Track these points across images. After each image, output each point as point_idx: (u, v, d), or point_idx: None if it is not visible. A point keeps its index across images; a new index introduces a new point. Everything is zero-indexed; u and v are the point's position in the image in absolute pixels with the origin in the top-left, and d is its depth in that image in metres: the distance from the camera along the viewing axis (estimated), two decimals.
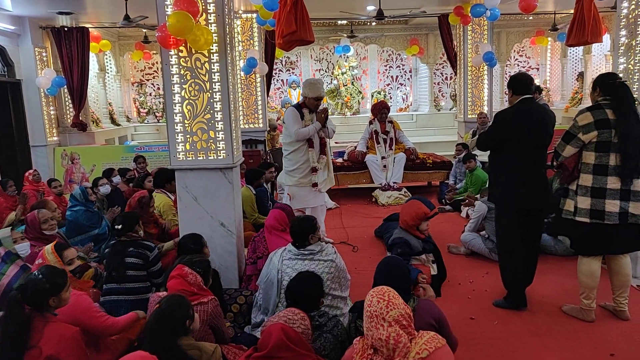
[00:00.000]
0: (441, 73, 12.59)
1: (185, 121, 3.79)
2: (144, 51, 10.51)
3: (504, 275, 3.79)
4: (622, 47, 4.15)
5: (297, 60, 12.40)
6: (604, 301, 3.64)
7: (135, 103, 11.94)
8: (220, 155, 3.85)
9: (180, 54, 3.69)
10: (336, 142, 10.59)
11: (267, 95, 9.19)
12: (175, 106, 3.77)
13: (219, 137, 3.82)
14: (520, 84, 3.58)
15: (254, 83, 8.17)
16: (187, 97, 3.76)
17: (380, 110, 7.64)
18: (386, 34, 11.53)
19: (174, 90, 3.74)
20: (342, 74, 12.05)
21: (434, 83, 12.49)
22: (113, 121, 10.84)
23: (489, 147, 3.75)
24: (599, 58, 11.11)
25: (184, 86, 3.74)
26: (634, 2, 3.98)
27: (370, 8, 8.21)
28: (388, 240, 4.98)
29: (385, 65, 12.80)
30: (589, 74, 11.28)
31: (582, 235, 3.34)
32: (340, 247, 5.33)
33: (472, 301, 3.88)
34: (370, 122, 7.75)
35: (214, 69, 3.72)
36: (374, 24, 10.70)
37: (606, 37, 9.67)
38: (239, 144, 4.11)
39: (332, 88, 12.20)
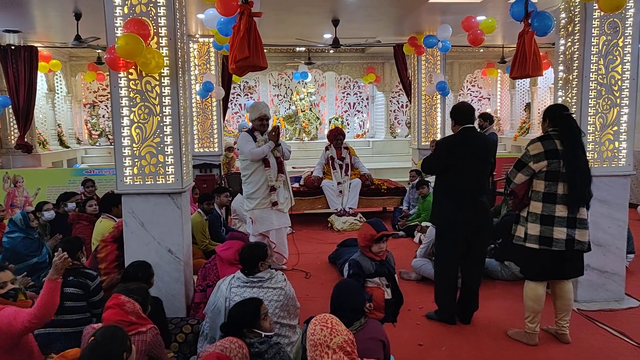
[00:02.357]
0: (397, 101, 12.90)
1: (134, 145, 3.71)
2: (97, 72, 10.28)
3: (436, 293, 3.97)
4: (561, 81, 4.37)
5: (255, 85, 12.44)
6: (547, 325, 3.74)
7: (86, 125, 11.61)
8: (169, 180, 3.77)
9: (130, 76, 3.63)
10: (293, 167, 10.60)
11: (224, 120, 9.14)
12: (123, 129, 3.69)
13: (168, 162, 3.75)
14: (462, 114, 3.80)
15: (210, 107, 8.12)
16: (136, 120, 3.68)
17: (336, 136, 7.73)
18: (343, 61, 11.76)
19: (122, 113, 3.67)
20: (301, 99, 12.16)
21: (390, 110, 12.77)
22: (62, 143, 10.48)
23: (431, 172, 3.96)
24: (544, 90, 11.69)
25: (133, 109, 3.67)
26: (569, 40, 4.22)
27: (327, 36, 8.37)
28: (341, 266, 4.99)
29: (343, 92, 13.02)
30: (536, 104, 11.85)
31: (532, 261, 3.44)
32: (293, 274, 5.29)
33: (421, 327, 3.89)
34: (327, 148, 7.82)
35: (164, 92, 3.67)
36: (331, 51, 10.90)
37: (550, 71, 10.20)
38: (189, 169, 4.04)
39: (290, 113, 12.28)
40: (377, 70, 11.92)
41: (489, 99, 13.65)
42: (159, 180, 3.77)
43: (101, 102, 11.78)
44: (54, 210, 5.51)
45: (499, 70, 11.95)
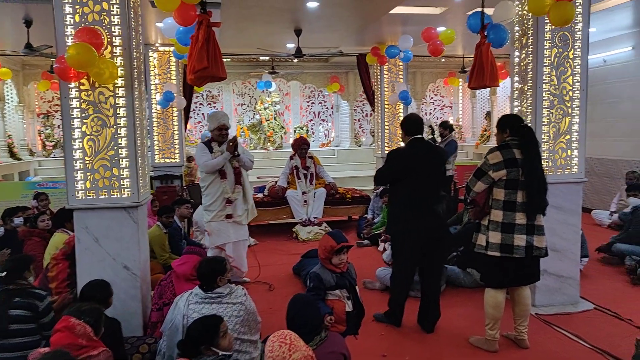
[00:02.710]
0: (361, 110, 13.00)
1: (86, 158, 3.58)
2: (51, 81, 9.93)
3: (390, 296, 4.10)
4: (516, 92, 4.48)
5: (218, 94, 12.31)
6: (506, 331, 3.79)
7: (40, 136, 11.19)
8: (124, 194, 3.66)
9: (82, 87, 3.51)
10: (258, 177, 10.50)
11: (185, 130, 8.99)
12: (74, 142, 3.55)
13: (123, 175, 3.64)
14: (411, 125, 3.92)
15: (171, 117, 7.96)
16: (88, 132, 3.56)
17: (300, 145, 7.70)
18: (307, 71, 11.79)
19: (73, 125, 3.54)
20: (265, 109, 12.09)
21: (355, 119, 12.86)
22: (13, 155, 10.05)
23: (384, 182, 4.06)
24: (504, 99, 12.02)
25: (85, 121, 3.54)
26: (524, 52, 4.34)
27: (290, 45, 8.37)
28: (305, 278, 4.95)
29: (308, 101, 13.03)
30: (495, 113, 12.16)
31: (493, 269, 3.48)
32: (256, 286, 5.21)
33: (385, 337, 3.89)
34: (291, 158, 7.78)
35: (119, 103, 3.57)
36: (295, 61, 10.90)
37: (509, 80, 10.49)
38: (145, 181, 3.93)
39: (254, 123, 12.19)
40: (341, 79, 12.00)
41: (451, 107, 13.92)
42: (113, 194, 3.65)
43: (56, 111, 11.38)
44: (3, 227, 5.27)
45: (460, 80, 12.23)
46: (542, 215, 3.43)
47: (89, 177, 3.60)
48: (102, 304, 3.22)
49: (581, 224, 4.43)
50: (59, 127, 11.37)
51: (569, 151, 4.29)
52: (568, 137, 4.28)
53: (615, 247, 5.56)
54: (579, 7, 4.18)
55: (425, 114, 13.63)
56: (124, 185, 3.65)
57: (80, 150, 3.56)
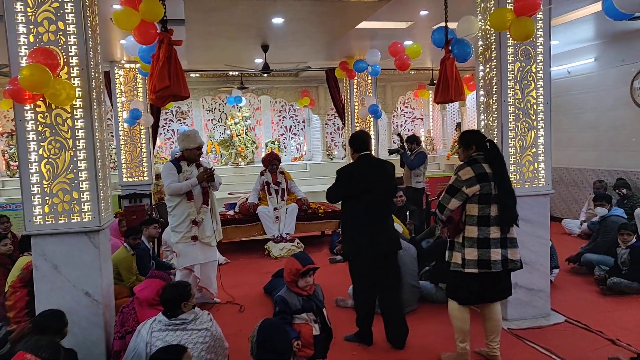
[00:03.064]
0: (333, 123, 13.01)
1: (44, 181, 3.46)
2: None
3: (357, 315, 4.08)
4: (482, 105, 4.52)
5: (188, 110, 12.15)
6: (479, 347, 3.77)
7: (4, 155, 10.83)
8: (85, 218, 3.54)
9: (37, 109, 3.39)
10: (229, 193, 10.36)
11: (154, 147, 8.82)
12: (31, 165, 3.44)
13: (83, 198, 3.52)
14: (359, 142, 3.99)
15: (139, 135, 7.80)
16: (46, 155, 3.44)
17: (271, 161, 7.63)
18: (277, 85, 11.75)
19: (29, 148, 3.43)
20: (235, 124, 11.97)
21: (327, 133, 12.84)
22: None
23: (334, 200, 4.08)
24: (473, 110, 12.19)
25: (42, 144, 3.43)
26: (488, 66, 4.38)
27: (259, 61, 8.32)
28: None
29: (279, 116, 12.98)
30: (465, 124, 12.32)
31: (470, 286, 3.44)
32: (226, 307, 5.10)
33: (357, 357, 3.83)
34: (262, 173, 7.69)
35: (77, 125, 3.47)
36: (265, 75, 10.86)
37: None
38: (107, 204, 3.80)
39: (225, 138, 12.06)
40: (311, 93, 11.99)
41: (422, 119, 14.05)
42: (73, 219, 3.53)
43: None
44: None
45: (430, 92, 12.36)
46: (513, 227, 3.43)
47: (47, 201, 3.48)
48: (56, 335, 3.10)
49: (551, 233, 4.47)
50: None
51: (535, 164, 4.33)
52: (534, 149, 4.32)
53: (585, 258, 5.63)
54: (540, 21, 4.25)
55: (397, 126, 13.73)
56: (84, 209, 3.54)
57: (37, 174, 3.45)
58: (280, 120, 12.99)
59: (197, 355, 2.97)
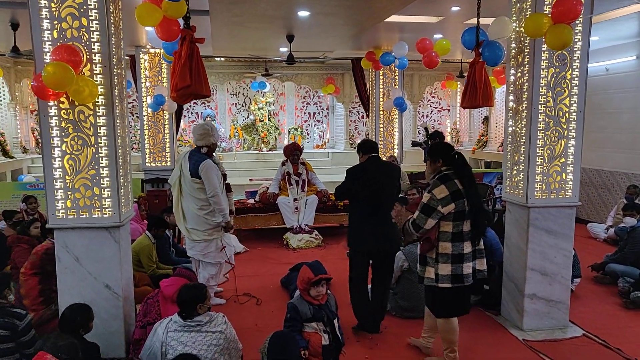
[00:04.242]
0: (357, 111, 12.88)
1: (67, 177, 3.50)
2: None
3: (354, 309, 4.28)
4: (511, 111, 4.37)
5: (213, 94, 12.18)
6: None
7: (34, 133, 11.07)
8: (106, 214, 3.58)
9: (61, 105, 3.41)
10: (251, 180, 10.42)
11: (177, 132, 8.86)
12: (54, 161, 3.47)
13: (104, 195, 3.55)
14: (367, 146, 4.29)
15: (162, 120, 7.85)
16: (69, 151, 3.47)
17: (293, 152, 7.59)
18: (302, 72, 11.64)
19: (53, 143, 3.46)
20: (259, 109, 11.96)
21: (350, 121, 12.73)
22: (5, 153, 9.94)
23: (343, 198, 4.36)
24: (501, 103, 11.89)
25: (65, 140, 3.46)
26: (519, 71, 4.22)
27: (283, 50, 8.24)
28: (292, 292, 4.86)
29: (303, 102, 12.91)
30: (493, 119, 12.04)
31: (445, 300, 3.48)
32: (243, 299, 5.14)
33: None
34: (283, 164, 7.67)
35: (99, 122, 3.48)
36: None
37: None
38: (127, 200, 3.83)
39: (248, 123, 12.07)
40: (336, 81, 11.86)
41: (448, 110, 13.81)
42: (95, 214, 3.57)
43: None
44: None
45: (459, 83, 12.13)
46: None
47: (69, 196, 3.52)
48: (82, 328, 3.18)
49: (575, 237, 4.32)
50: None
51: (563, 174, 4.19)
52: (563, 160, 4.18)
53: (609, 267, 5.48)
54: (579, 25, 4.05)
55: (422, 116, 13.52)
56: (105, 205, 3.57)
57: (60, 170, 3.49)
58: (304, 106, 12.92)
59: (211, 358, 3.00)
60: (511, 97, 4.37)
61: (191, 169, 4.62)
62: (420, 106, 13.22)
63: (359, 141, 4.50)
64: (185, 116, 11.46)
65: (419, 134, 12.86)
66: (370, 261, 4.26)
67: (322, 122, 13.05)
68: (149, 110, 7.69)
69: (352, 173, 4.17)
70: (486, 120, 12.37)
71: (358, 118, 12.98)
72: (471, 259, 3.39)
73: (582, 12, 3.73)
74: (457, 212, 3.32)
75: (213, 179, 4.58)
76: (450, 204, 3.30)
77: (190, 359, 2.67)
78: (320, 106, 13.01)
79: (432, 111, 13.64)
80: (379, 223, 4.09)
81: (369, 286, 4.35)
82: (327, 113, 13.03)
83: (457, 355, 3.60)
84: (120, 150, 3.60)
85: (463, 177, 3.37)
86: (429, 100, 13.62)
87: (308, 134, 12.76)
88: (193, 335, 3.04)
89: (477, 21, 4.36)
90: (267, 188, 7.75)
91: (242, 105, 12.41)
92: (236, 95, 12.40)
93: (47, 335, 2.85)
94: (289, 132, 12.31)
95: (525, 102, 4.16)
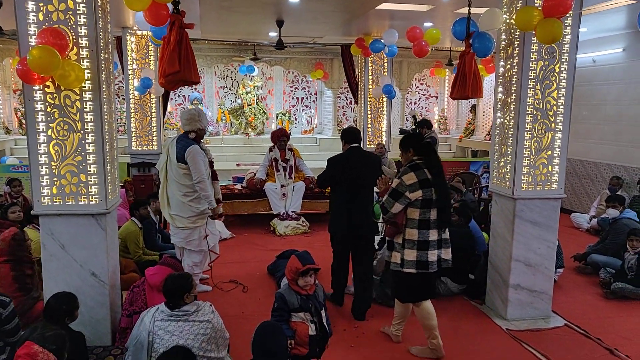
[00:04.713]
0: (345, 97, 12.83)
1: (52, 163, 3.44)
2: None
3: (333, 280, 4.65)
4: (499, 103, 4.40)
5: (200, 77, 12.01)
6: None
7: (17, 113, 10.85)
8: (92, 201, 3.53)
9: (46, 89, 3.34)
10: (238, 164, 10.36)
11: (164, 116, 8.75)
12: (40, 146, 3.41)
13: (91, 181, 3.51)
14: (349, 135, 4.44)
15: (149, 103, 7.73)
16: (54, 136, 3.41)
17: (280, 137, 7.55)
18: (291, 56, 11.53)
19: (38, 128, 3.38)
20: (247, 93, 11.85)
21: (338, 107, 12.69)
22: None
23: (324, 186, 4.61)
24: (489, 92, 11.93)
25: (50, 125, 3.39)
26: (509, 63, 4.24)
27: (273, 34, 8.15)
28: (279, 280, 4.89)
29: (291, 87, 12.81)
30: (481, 107, 12.09)
31: (410, 285, 3.66)
32: (230, 286, 5.15)
33: (355, 349, 3.87)
34: (270, 150, 7.64)
35: (86, 107, 3.41)
36: None
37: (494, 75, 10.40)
38: (115, 187, 3.79)
39: (235, 107, 11.96)
40: (325, 66, 11.78)
41: (436, 97, 13.83)
42: (81, 201, 3.53)
43: None
44: None
45: (447, 70, 12.13)
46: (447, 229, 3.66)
47: (55, 182, 3.47)
48: (67, 316, 3.15)
49: (559, 226, 4.39)
50: None
51: (549, 167, 4.24)
52: (550, 152, 4.22)
53: (591, 258, 5.59)
54: (569, 18, 4.06)
55: (410, 103, 13.53)
56: (91, 192, 3.53)
57: (46, 155, 3.43)
58: (292, 91, 12.84)
59: (198, 347, 3.00)
60: (500, 89, 4.39)
61: (177, 154, 4.59)
62: (408, 93, 13.22)
63: (343, 129, 4.67)
64: (172, 99, 11.31)
65: (407, 120, 12.88)
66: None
67: (310, 108, 12.99)
68: (136, 93, 7.57)
69: (333, 162, 4.41)
70: (474, 108, 12.41)
71: (346, 104, 12.94)
72: (436, 246, 3.55)
73: (573, 6, 3.74)
74: (424, 199, 3.49)
75: (199, 164, 4.55)
76: (417, 190, 3.47)
77: (181, 352, 2.67)
78: (308, 91, 12.94)
79: (420, 98, 13.66)
80: (355, 209, 4.28)
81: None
82: (315, 98, 12.97)
83: (439, 341, 3.69)
84: (107, 137, 3.54)
85: (432, 167, 3.54)
86: (417, 87, 13.62)
87: (296, 119, 12.70)
88: (180, 325, 3.04)
89: (468, 12, 4.36)
90: (254, 174, 7.73)
91: (230, 89, 12.29)
92: (224, 79, 12.27)
93: (33, 325, 2.83)
94: (277, 117, 12.24)
95: (514, 94, 4.18)
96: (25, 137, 9.34)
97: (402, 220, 3.54)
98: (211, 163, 4.86)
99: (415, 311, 3.75)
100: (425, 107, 13.59)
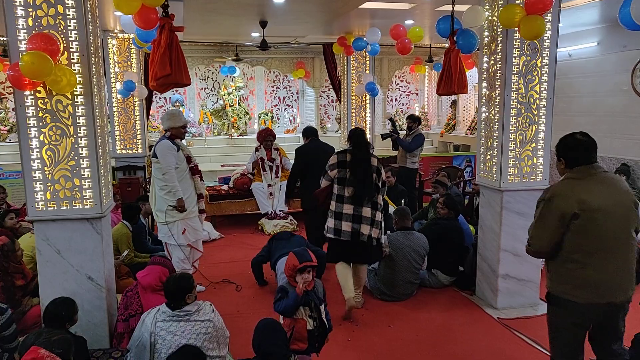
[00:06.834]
0: (327, 95, 12.90)
1: (46, 168, 3.42)
2: (3, 63, 9.39)
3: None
4: (484, 98, 4.51)
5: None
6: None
7: None
8: (87, 205, 3.53)
9: (38, 94, 3.32)
10: (222, 165, 10.36)
11: (147, 119, 8.70)
12: (32, 152, 3.39)
13: (85, 185, 3.50)
14: (312, 132, 5.77)
15: (132, 106, 7.68)
16: (47, 142, 3.39)
17: (266, 137, 7.59)
18: (272, 56, 11.54)
19: (30, 134, 3.36)
20: (229, 94, 11.82)
21: (320, 105, 12.75)
22: None
23: (298, 174, 5.54)
24: (470, 87, 12.13)
25: (43, 130, 3.37)
26: (492, 58, 4.36)
27: (255, 35, 8.16)
28: (274, 264, 4.89)
29: (273, 86, 12.82)
30: (461, 102, 12.28)
31: (330, 247, 4.45)
32: (222, 286, 5.18)
33: (351, 344, 3.94)
34: (257, 149, 7.67)
35: (78, 112, 3.40)
36: None
37: (475, 70, 10.58)
38: (108, 190, 3.79)
39: (217, 108, 11.92)
40: (307, 65, 11.81)
41: (417, 94, 13.99)
42: (75, 205, 3.51)
43: (10, 94, 10.82)
44: None
45: (427, 67, 12.28)
46: (371, 209, 4.23)
47: (49, 187, 3.45)
48: (67, 322, 3.16)
49: None
50: (14, 109, 10.79)
51: (534, 159, 4.38)
52: (534, 145, 4.36)
53: None
54: (549, 14, 4.19)
55: (391, 100, 13.65)
56: (86, 196, 3.52)
57: (39, 161, 3.41)
58: (273, 91, 12.85)
59: (200, 346, 3.04)
60: (484, 84, 4.51)
61: (153, 151, 4.82)
62: (389, 90, 13.34)
63: (304, 128, 5.90)
64: (153, 101, 11.21)
65: (388, 124, 13.01)
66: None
67: (292, 107, 13.02)
68: (119, 96, 7.50)
69: (298, 154, 5.53)
70: (454, 104, 12.60)
71: (328, 102, 13.01)
72: (351, 220, 4.20)
73: (553, 3, 3.87)
74: (339, 177, 4.25)
75: (166, 156, 4.68)
76: (334, 170, 4.27)
77: (191, 351, 2.70)
78: (290, 90, 12.96)
79: (400, 95, 13.80)
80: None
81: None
82: (297, 97, 13.01)
83: (351, 297, 4.24)
84: (100, 140, 3.54)
85: (354, 154, 4.23)
86: (398, 84, 13.75)
87: (278, 119, 12.71)
88: (182, 325, 3.07)
89: (452, 9, 4.46)
90: (241, 174, 7.75)
91: (211, 90, 12.23)
92: (205, 80, 12.21)
93: (37, 331, 2.83)
94: (259, 117, 12.24)
95: (499, 89, 4.30)
96: (3, 144, 9.10)
97: (323, 194, 4.34)
98: (188, 158, 4.93)
99: (336, 267, 4.42)
100: (406, 104, 13.74)
